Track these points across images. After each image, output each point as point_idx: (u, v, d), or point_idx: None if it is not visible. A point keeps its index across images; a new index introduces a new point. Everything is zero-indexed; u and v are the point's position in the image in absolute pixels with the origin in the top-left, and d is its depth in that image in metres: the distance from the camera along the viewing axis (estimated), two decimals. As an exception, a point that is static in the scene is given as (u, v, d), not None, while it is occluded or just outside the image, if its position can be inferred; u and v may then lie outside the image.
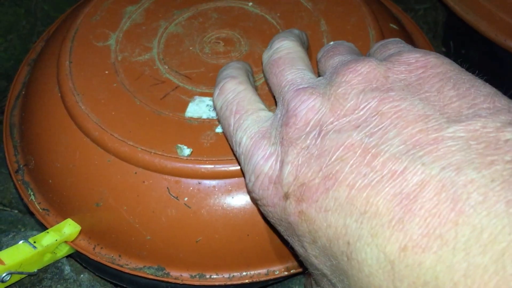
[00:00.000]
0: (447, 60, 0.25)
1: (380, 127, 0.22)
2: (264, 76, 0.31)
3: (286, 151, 0.25)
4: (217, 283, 0.32)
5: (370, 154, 0.22)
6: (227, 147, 0.32)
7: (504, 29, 0.46)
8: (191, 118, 0.34)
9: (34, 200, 0.37)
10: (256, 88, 0.34)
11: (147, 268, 0.33)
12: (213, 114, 0.34)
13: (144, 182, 0.32)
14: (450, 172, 0.20)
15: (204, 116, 0.34)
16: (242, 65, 0.33)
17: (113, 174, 0.33)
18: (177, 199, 0.31)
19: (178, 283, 0.32)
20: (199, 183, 0.32)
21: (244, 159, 0.28)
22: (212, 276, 0.32)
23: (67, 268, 0.37)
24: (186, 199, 0.31)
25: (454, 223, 0.19)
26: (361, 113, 0.24)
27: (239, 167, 0.31)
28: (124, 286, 0.36)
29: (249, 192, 0.28)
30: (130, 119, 0.34)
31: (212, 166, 0.31)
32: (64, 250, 0.35)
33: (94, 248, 0.34)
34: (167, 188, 0.32)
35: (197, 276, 0.32)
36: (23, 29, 0.55)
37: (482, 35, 0.47)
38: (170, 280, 0.32)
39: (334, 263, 0.23)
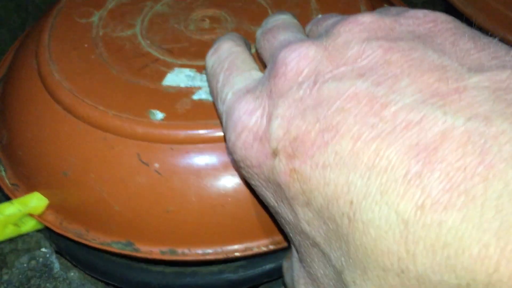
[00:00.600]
0: (457, 20, 0.23)
1: (389, 75, 0.20)
2: (257, 49, 0.30)
3: (275, 103, 0.22)
4: (189, 259, 0.29)
5: (378, 104, 0.19)
6: (203, 112, 0.30)
7: (503, 23, 0.45)
8: (168, 87, 0.32)
9: (4, 176, 0.35)
10: None
11: (115, 243, 0.30)
12: (191, 83, 0.32)
13: (113, 148, 0.30)
14: (477, 123, 0.17)
15: (182, 85, 0.32)
16: (241, 36, 0.32)
17: (82, 141, 0.31)
18: (148, 165, 0.29)
19: (148, 259, 0.30)
20: (172, 149, 0.29)
21: (226, 116, 0.25)
22: (184, 252, 0.30)
23: (56, 266, 0.36)
24: (157, 165, 0.29)
25: (483, 177, 0.16)
26: (365, 62, 0.21)
27: (215, 132, 0.29)
28: (116, 285, 0.34)
29: (229, 153, 0.26)
30: (105, 87, 0.32)
31: (186, 131, 0.29)
32: (30, 224, 0.33)
33: (61, 223, 0.32)
34: (137, 154, 0.30)
35: (168, 252, 0.30)
36: (14, 24, 0.54)
37: (481, 29, 0.46)
38: (139, 255, 0.30)
39: (331, 227, 0.20)
